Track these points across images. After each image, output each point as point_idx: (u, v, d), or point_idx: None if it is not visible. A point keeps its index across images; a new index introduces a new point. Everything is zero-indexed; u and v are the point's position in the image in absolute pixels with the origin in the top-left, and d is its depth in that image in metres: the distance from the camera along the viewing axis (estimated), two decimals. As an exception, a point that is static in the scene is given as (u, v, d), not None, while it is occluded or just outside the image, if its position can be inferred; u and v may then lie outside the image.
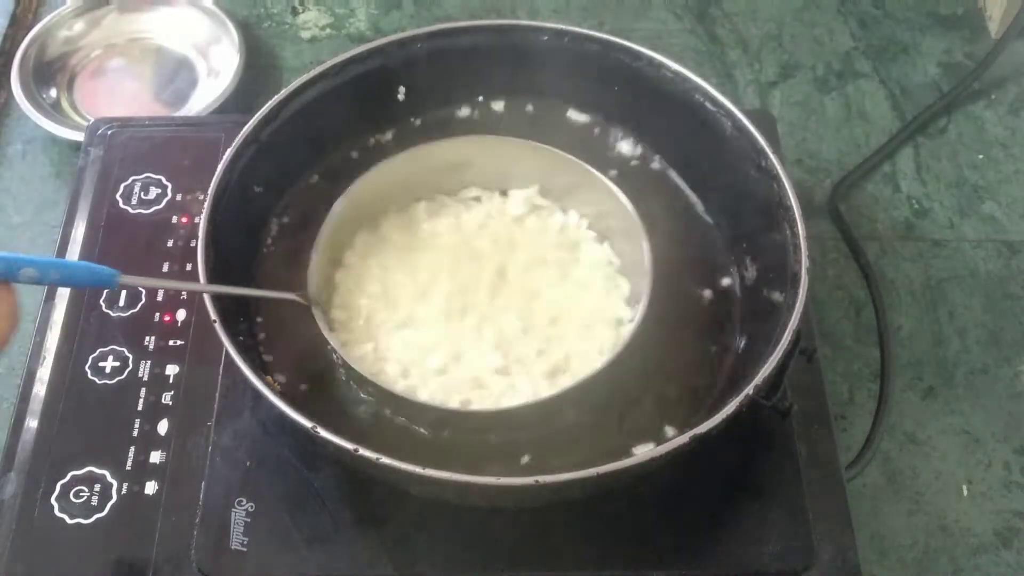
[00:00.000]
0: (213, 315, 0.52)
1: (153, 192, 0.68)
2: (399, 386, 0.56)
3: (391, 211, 0.64)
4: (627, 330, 0.56)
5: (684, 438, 0.48)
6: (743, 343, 0.60)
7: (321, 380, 0.59)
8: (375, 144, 0.68)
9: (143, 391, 0.59)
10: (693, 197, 0.67)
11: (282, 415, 0.49)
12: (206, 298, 0.53)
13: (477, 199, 0.65)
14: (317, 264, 0.58)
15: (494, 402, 0.56)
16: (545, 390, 0.56)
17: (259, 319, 0.61)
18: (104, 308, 0.63)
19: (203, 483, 0.56)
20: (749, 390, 0.49)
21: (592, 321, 0.60)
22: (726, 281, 0.63)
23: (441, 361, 0.58)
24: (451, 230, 0.64)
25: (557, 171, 0.62)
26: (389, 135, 0.68)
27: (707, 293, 0.63)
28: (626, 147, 0.68)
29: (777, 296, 0.56)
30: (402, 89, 0.67)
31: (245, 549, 0.54)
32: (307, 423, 0.48)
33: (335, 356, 0.57)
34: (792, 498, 0.56)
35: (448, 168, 0.64)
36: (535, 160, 0.63)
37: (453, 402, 0.56)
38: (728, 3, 0.94)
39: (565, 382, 0.56)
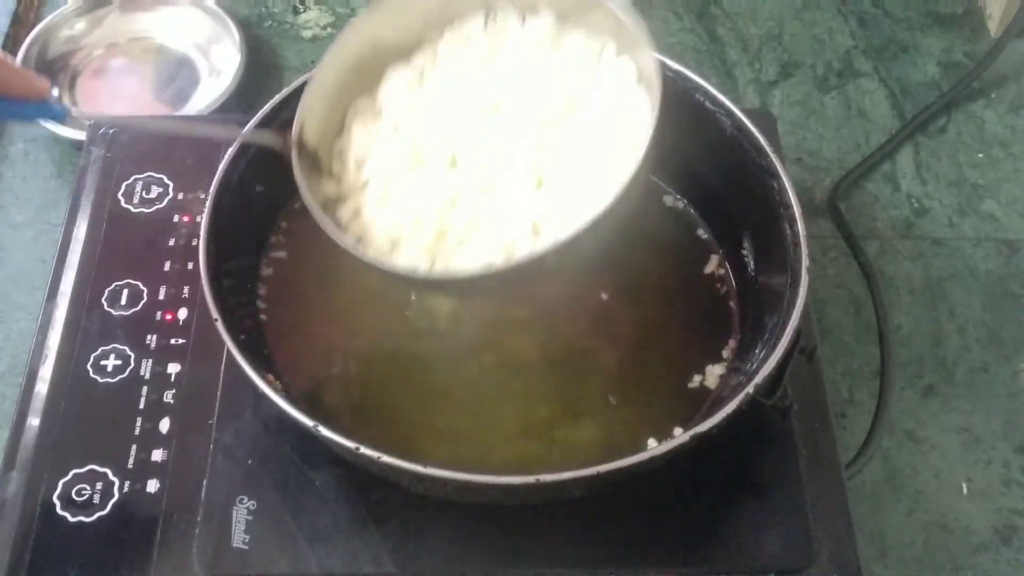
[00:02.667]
0: (214, 313, 0.52)
1: (155, 191, 0.68)
2: (385, 257, 0.53)
3: (393, 63, 0.58)
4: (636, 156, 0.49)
5: (684, 437, 0.48)
6: (743, 341, 0.60)
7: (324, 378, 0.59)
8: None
9: (145, 389, 0.59)
10: (693, 196, 0.67)
11: (283, 413, 0.49)
12: (208, 296, 0.53)
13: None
14: (314, 113, 0.55)
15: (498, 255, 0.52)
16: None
17: (269, 324, 0.62)
18: (106, 307, 0.63)
19: (204, 481, 0.56)
20: (749, 388, 0.49)
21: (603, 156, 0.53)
22: (725, 280, 0.63)
23: (436, 223, 0.53)
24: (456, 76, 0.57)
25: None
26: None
27: (707, 292, 0.63)
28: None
29: (777, 295, 0.57)
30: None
31: (247, 547, 0.54)
32: (308, 421, 0.48)
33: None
34: (792, 496, 0.56)
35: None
36: None
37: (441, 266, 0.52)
38: (728, 2, 0.94)
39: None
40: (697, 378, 0.59)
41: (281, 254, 0.65)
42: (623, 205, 0.48)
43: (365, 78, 0.57)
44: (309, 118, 0.55)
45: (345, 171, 0.56)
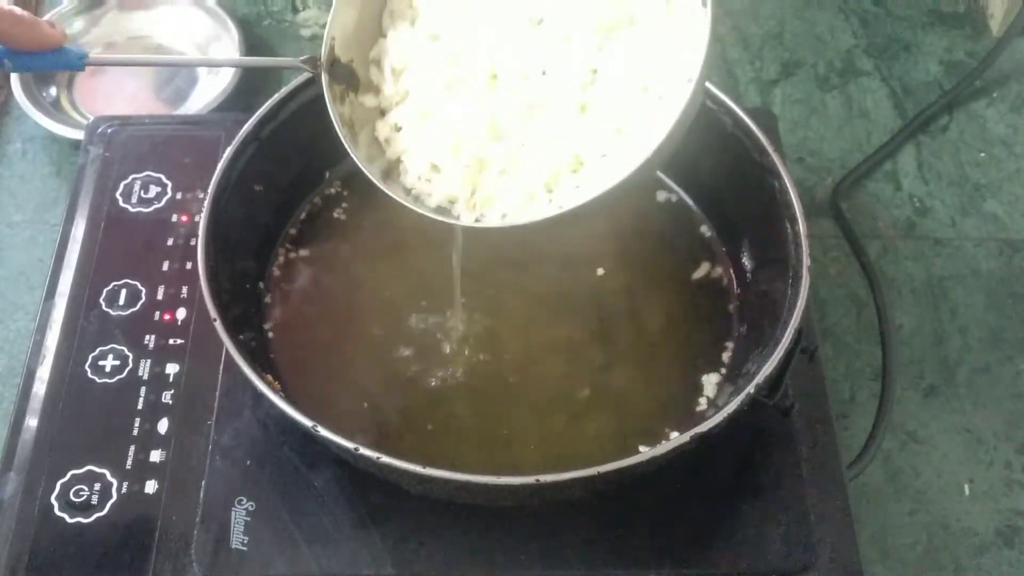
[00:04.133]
0: (213, 314, 0.52)
1: (153, 190, 0.68)
2: (424, 183, 0.52)
3: None
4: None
5: (685, 437, 0.48)
6: (744, 341, 0.60)
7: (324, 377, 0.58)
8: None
9: (143, 390, 0.59)
10: (694, 195, 0.67)
11: (282, 414, 0.49)
12: (206, 296, 0.52)
13: None
14: (345, 23, 0.53)
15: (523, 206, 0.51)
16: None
17: (267, 325, 0.61)
18: (104, 307, 0.62)
19: (203, 482, 0.56)
20: (750, 389, 0.49)
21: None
22: (727, 280, 0.63)
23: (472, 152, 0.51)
24: None
25: None
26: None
27: (707, 292, 0.63)
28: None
29: (778, 295, 0.56)
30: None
31: (245, 548, 0.53)
32: (307, 422, 0.48)
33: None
34: (793, 497, 0.56)
35: None
36: None
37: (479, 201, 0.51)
38: (729, 1, 0.94)
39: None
40: (696, 378, 0.59)
41: (281, 253, 0.65)
42: (672, 143, 0.46)
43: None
44: (340, 32, 0.53)
45: (384, 80, 0.54)
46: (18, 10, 0.49)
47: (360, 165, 0.52)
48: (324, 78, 0.53)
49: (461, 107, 0.52)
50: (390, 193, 0.52)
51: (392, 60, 0.54)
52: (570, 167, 0.50)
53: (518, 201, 0.51)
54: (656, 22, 0.50)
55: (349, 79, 0.53)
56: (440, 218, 0.52)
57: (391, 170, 0.54)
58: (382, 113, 0.54)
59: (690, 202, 0.67)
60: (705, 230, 0.66)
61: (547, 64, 0.51)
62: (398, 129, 0.54)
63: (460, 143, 0.52)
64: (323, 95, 0.60)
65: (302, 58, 0.53)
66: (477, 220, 0.52)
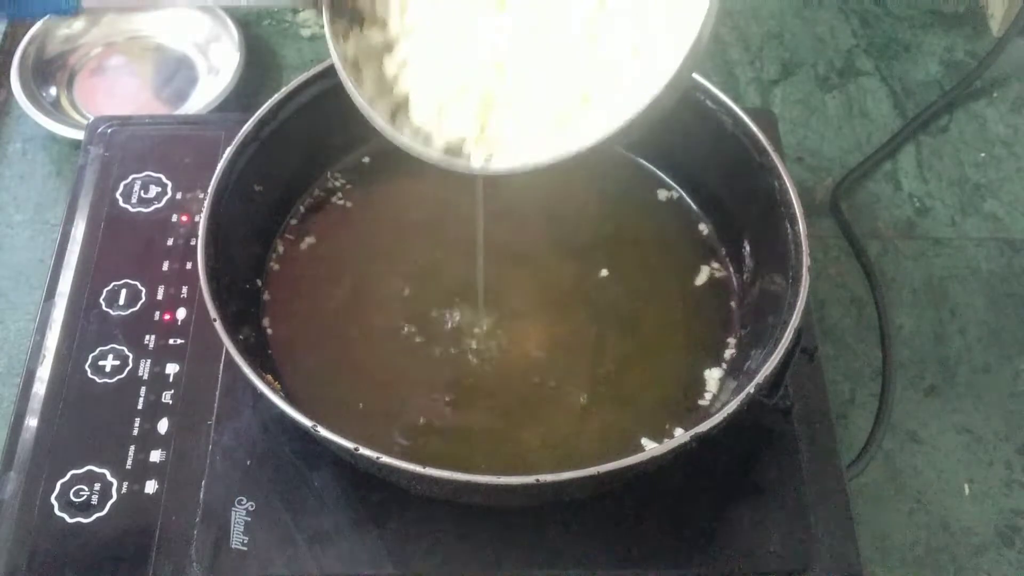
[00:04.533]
0: (213, 314, 0.52)
1: (153, 191, 0.68)
2: (432, 126, 0.49)
3: None
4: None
5: (685, 437, 0.48)
6: (744, 341, 0.60)
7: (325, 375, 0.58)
8: (379, 142, 0.67)
9: (143, 390, 0.59)
10: (695, 195, 0.67)
11: (282, 414, 0.49)
12: (206, 296, 0.52)
13: None
14: None
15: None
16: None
17: (266, 321, 0.61)
18: (104, 307, 0.62)
19: (203, 482, 0.56)
20: (751, 389, 0.49)
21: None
22: (726, 280, 0.63)
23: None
24: None
25: None
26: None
27: (707, 292, 0.63)
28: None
29: (778, 294, 0.56)
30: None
31: (245, 548, 0.53)
32: (307, 422, 0.48)
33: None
34: (793, 497, 0.56)
35: None
36: None
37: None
38: (729, 1, 0.94)
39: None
40: (697, 378, 0.59)
41: (281, 253, 0.65)
42: (683, 77, 0.44)
43: None
44: None
45: (389, 14, 0.52)
46: None
47: (363, 108, 0.50)
48: (326, 13, 0.50)
49: (468, 40, 0.50)
50: (394, 137, 0.50)
51: None
52: (579, 102, 0.49)
53: (528, 139, 0.49)
54: None
55: (353, 13, 0.51)
56: (448, 161, 0.50)
57: (399, 110, 0.52)
58: (388, 48, 0.52)
59: (691, 202, 0.67)
60: (705, 229, 0.66)
61: None
62: (406, 65, 0.52)
63: (467, 79, 0.50)
64: (324, 94, 0.61)
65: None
66: (487, 159, 0.50)
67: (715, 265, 0.64)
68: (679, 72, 0.44)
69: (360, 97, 0.50)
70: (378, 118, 0.50)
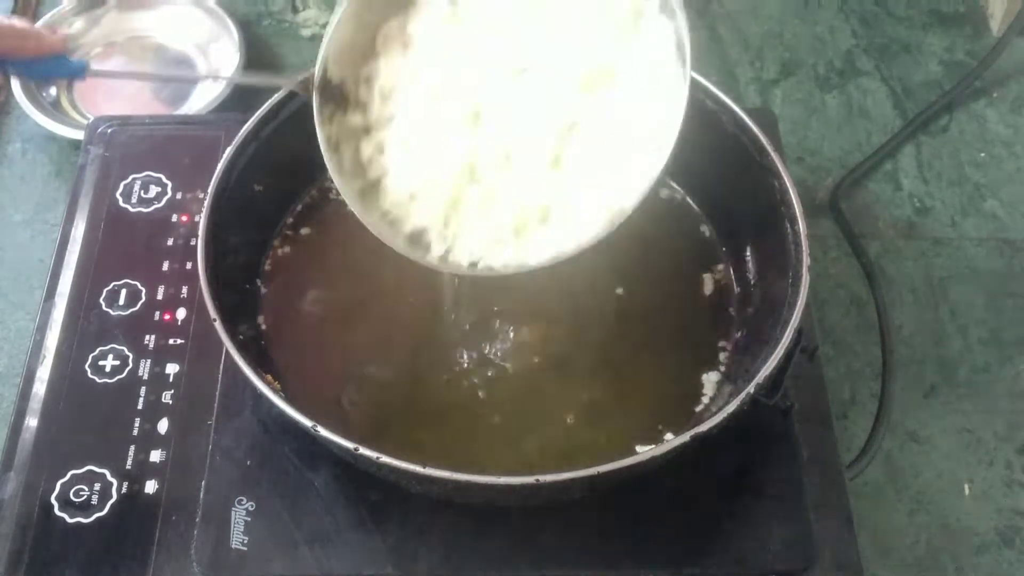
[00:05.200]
0: (213, 314, 0.52)
1: (153, 190, 0.68)
2: (402, 208, 0.54)
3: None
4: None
5: (685, 437, 0.48)
6: (743, 342, 0.60)
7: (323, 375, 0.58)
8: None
9: (143, 390, 0.59)
10: (695, 195, 0.67)
11: (282, 414, 0.49)
12: (206, 296, 0.52)
13: None
14: (340, 42, 0.53)
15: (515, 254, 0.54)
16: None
17: (265, 319, 0.61)
18: (104, 307, 0.62)
19: (203, 482, 0.56)
20: (750, 389, 0.49)
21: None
22: (727, 280, 0.63)
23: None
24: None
25: None
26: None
27: (707, 292, 0.63)
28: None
29: (778, 295, 0.56)
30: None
31: (245, 548, 0.53)
32: (307, 421, 0.48)
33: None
34: (793, 497, 0.56)
35: None
36: None
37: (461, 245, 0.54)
38: (729, 1, 0.94)
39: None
40: (697, 378, 0.59)
41: (281, 253, 0.65)
42: (638, 210, 0.50)
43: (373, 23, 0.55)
44: (335, 49, 0.53)
45: (372, 100, 0.55)
46: (18, 22, 0.50)
47: (338, 184, 0.53)
48: (315, 100, 0.53)
49: (442, 141, 0.54)
50: (363, 217, 0.53)
51: (382, 81, 0.55)
52: (538, 218, 0.53)
53: (486, 243, 0.54)
54: (638, 85, 0.53)
55: (338, 99, 0.54)
56: (408, 251, 0.54)
57: (369, 191, 0.55)
58: (367, 132, 0.55)
59: (691, 202, 0.67)
60: (705, 230, 0.66)
61: (526, 113, 0.53)
62: (381, 151, 0.55)
63: (438, 177, 0.54)
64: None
65: (299, 79, 0.54)
66: (447, 251, 0.54)
67: (716, 268, 0.64)
68: (610, 223, 0.52)
69: (337, 174, 0.53)
70: (349, 195, 0.54)
